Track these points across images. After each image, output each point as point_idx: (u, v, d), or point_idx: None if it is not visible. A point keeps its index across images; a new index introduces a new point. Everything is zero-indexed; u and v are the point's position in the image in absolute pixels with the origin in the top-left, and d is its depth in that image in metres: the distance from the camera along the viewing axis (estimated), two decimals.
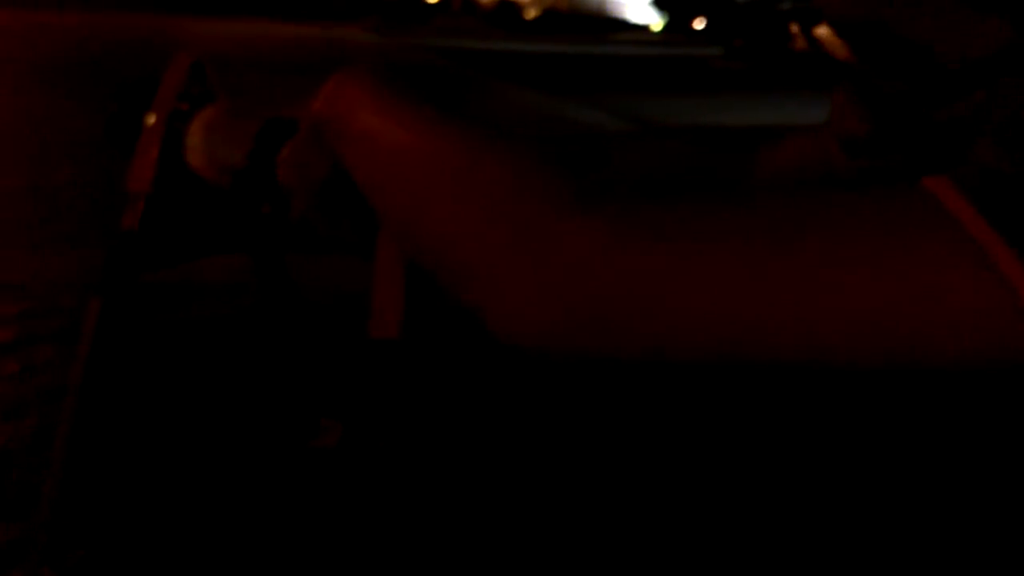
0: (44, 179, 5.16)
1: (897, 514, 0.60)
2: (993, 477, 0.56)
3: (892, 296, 0.45)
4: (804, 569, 0.62)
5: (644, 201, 0.51)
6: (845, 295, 0.46)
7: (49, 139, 6.24)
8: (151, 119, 0.73)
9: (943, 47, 0.54)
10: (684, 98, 10.55)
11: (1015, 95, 0.52)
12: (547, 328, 0.51)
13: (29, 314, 3.12)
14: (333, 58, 12.25)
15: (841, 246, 0.46)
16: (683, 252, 0.48)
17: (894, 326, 0.45)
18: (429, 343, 0.67)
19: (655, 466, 0.70)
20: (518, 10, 24.26)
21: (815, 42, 0.61)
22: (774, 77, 13.24)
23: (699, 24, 22.55)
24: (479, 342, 0.56)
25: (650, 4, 25.16)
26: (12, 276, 3.54)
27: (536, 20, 23.44)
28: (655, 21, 24.97)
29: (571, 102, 9.72)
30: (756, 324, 0.47)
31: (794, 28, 14.97)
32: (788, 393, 0.64)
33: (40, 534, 0.75)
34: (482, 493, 0.73)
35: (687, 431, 0.71)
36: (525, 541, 0.69)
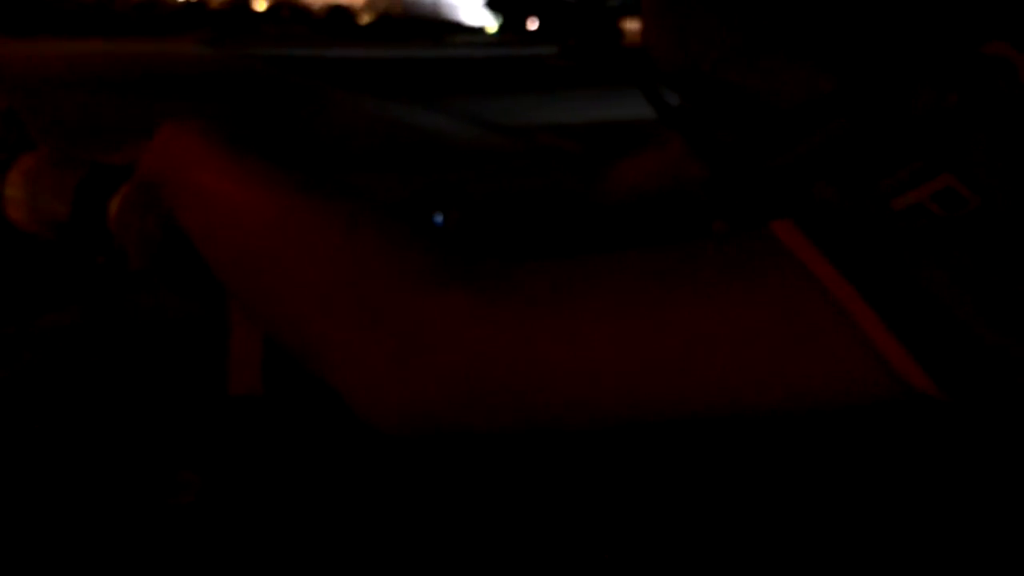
0: None
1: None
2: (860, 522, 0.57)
3: (745, 343, 0.46)
4: None
5: (501, 271, 0.49)
6: (703, 346, 0.46)
7: None
8: None
9: (769, 95, 0.55)
10: (522, 97, 10.65)
11: (844, 137, 0.54)
12: (415, 411, 0.49)
13: None
14: (164, 74, 11.85)
15: (693, 299, 0.47)
16: (546, 323, 0.47)
17: (751, 372, 0.46)
18: (292, 399, 0.64)
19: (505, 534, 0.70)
20: (351, 16, 24.02)
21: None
22: (607, 73, 13.53)
23: (532, 25, 22.85)
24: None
25: (484, 6, 25.35)
26: None
27: (370, 25, 23.26)
28: (490, 23, 25.16)
29: (411, 106, 9.68)
30: (621, 385, 0.47)
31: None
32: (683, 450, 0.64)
33: None
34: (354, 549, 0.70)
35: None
36: None
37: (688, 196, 0.79)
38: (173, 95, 9.83)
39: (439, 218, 0.83)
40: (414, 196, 0.82)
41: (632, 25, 16.00)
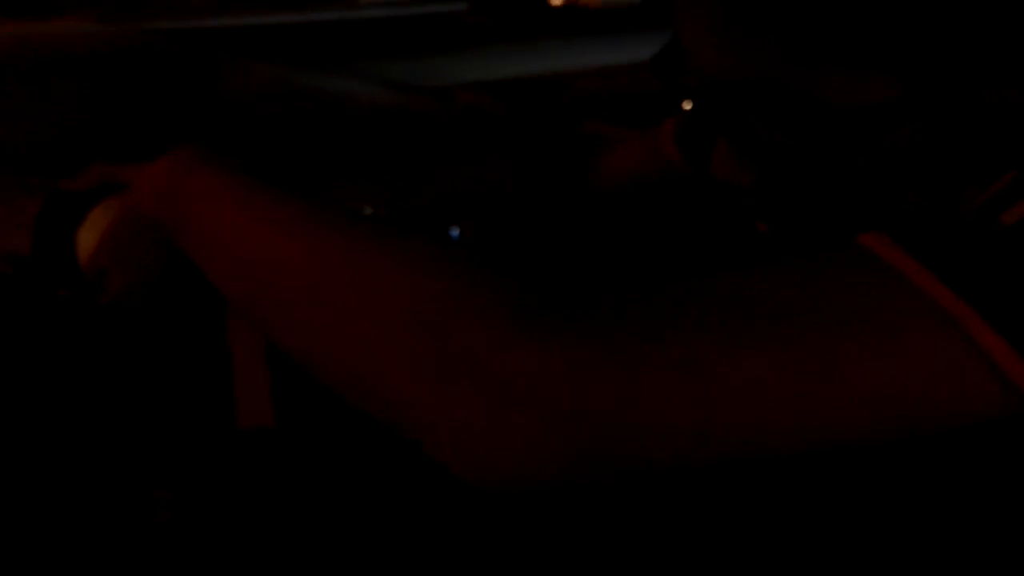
0: None
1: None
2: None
3: (865, 367, 0.45)
4: None
5: (599, 308, 0.46)
6: (822, 376, 0.45)
7: None
8: None
9: (833, 101, 0.54)
10: (437, 57, 10.51)
11: (918, 142, 0.53)
12: (522, 467, 0.45)
13: None
14: (56, 56, 11.38)
15: (810, 329, 0.45)
16: (660, 367, 0.45)
17: (871, 398, 0.45)
18: (308, 429, 0.61)
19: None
20: None
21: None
22: (522, 28, 13.43)
23: None
24: (357, 421, 0.51)
25: None
26: None
27: None
28: None
29: (322, 73, 9.47)
30: (742, 423, 0.45)
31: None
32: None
33: None
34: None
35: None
36: None
37: (677, 182, 0.79)
38: (68, 77, 9.42)
39: (455, 232, 0.81)
40: (421, 210, 0.80)
41: None
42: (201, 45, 12.29)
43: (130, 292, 0.56)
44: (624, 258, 0.86)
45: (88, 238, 0.58)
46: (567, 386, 0.44)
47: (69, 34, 14.70)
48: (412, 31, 13.78)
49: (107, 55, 11.41)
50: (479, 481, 0.46)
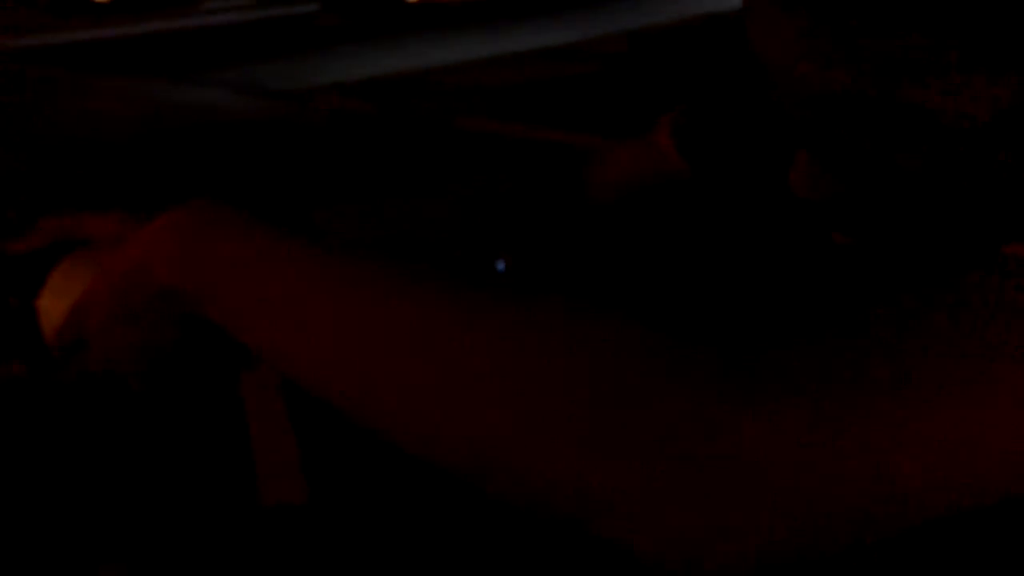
0: None
1: None
2: None
3: None
4: None
5: (793, 362, 0.42)
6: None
7: None
8: None
9: (951, 111, 0.51)
10: (294, 60, 10.30)
11: None
12: (746, 553, 0.41)
13: None
14: None
15: (1000, 358, 0.42)
16: (881, 420, 0.41)
17: None
18: (343, 505, 0.58)
19: None
20: None
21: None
22: (379, 27, 13.29)
23: None
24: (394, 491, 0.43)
25: None
26: None
27: (112, 1, 21.71)
28: None
29: (176, 84, 9.17)
30: (970, 471, 0.41)
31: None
32: None
33: None
34: None
35: None
36: None
37: (673, 189, 0.78)
38: None
39: (501, 265, 0.80)
40: (467, 248, 0.76)
41: None
42: (45, 63, 11.74)
43: (140, 368, 0.52)
44: (686, 277, 0.83)
45: (53, 307, 0.53)
46: (784, 455, 0.40)
47: None
48: (264, 35, 13.46)
49: None
50: (679, 568, 0.41)
